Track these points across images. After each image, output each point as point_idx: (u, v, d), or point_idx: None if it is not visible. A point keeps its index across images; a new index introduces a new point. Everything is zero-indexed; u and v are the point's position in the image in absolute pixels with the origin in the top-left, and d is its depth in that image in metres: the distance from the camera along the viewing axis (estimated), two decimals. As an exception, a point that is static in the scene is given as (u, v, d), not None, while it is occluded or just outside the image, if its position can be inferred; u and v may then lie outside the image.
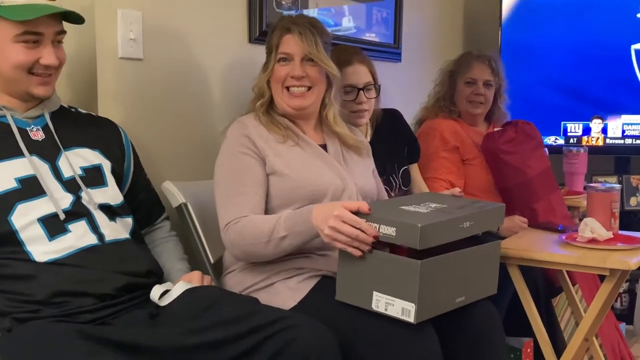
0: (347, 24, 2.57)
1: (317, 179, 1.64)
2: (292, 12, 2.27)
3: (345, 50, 2.06)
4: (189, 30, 1.94)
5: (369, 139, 2.10)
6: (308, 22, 1.72)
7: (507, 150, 2.32)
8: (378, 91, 2.06)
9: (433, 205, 1.50)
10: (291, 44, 1.68)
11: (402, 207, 1.46)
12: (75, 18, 1.46)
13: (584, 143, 3.09)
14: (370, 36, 2.69)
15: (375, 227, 1.37)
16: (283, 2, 2.24)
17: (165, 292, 1.44)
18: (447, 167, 2.35)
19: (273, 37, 1.71)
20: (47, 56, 1.41)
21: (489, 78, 2.48)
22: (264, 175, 1.63)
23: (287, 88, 1.70)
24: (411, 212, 1.43)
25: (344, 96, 2.00)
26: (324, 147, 1.75)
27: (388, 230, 1.36)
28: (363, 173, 1.78)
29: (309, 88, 1.70)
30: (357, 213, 1.39)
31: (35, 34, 1.38)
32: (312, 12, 2.37)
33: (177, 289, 1.43)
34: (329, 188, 1.64)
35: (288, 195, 1.61)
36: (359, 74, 2.02)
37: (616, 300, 2.98)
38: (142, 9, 1.80)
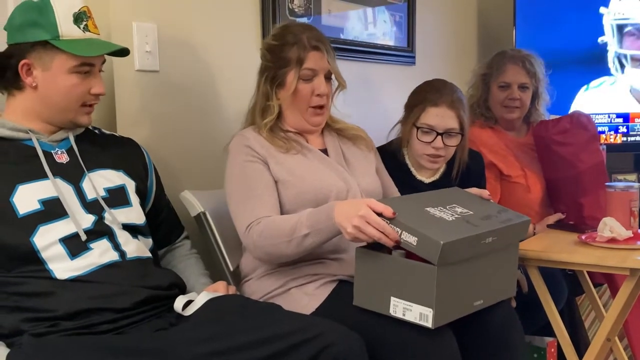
0: (360, 29, 2.57)
1: (319, 183, 1.65)
2: (305, 20, 2.28)
3: (437, 91, 1.96)
4: (203, 41, 1.97)
5: (438, 175, 2.06)
6: (324, 37, 1.72)
7: (559, 142, 2.23)
8: (462, 140, 1.96)
9: (459, 210, 1.49)
10: (318, 60, 1.68)
11: (428, 210, 1.46)
12: (119, 53, 1.52)
13: (602, 141, 3.06)
14: (384, 40, 2.69)
15: (398, 232, 1.38)
16: (296, 10, 2.26)
17: (189, 302, 1.45)
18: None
19: (290, 51, 1.67)
20: (97, 86, 1.47)
21: (525, 81, 2.36)
22: (272, 179, 1.64)
23: (312, 107, 1.70)
24: (436, 219, 1.42)
25: (420, 135, 1.94)
26: (325, 151, 1.76)
27: (409, 239, 1.36)
28: (366, 172, 1.78)
29: (323, 105, 1.72)
30: (380, 215, 1.39)
31: (89, 65, 1.44)
32: (325, 17, 2.38)
33: (201, 299, 1.44)
34: (332, 190, 1.65)
35: (294, 202, 1.62)
36: (443, 117, 1.92)
37: (639, 299, 2.94)
38: (157, 22, 1.82)
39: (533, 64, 2.39)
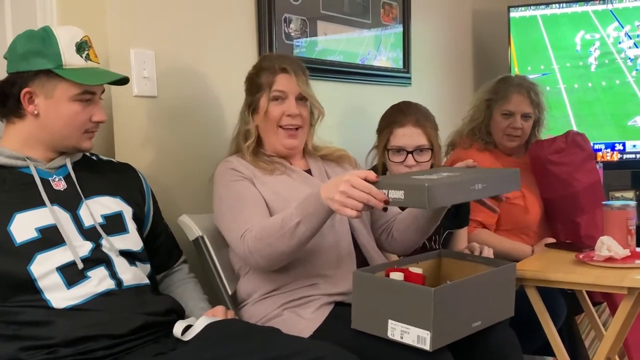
0: (356, 51, 2.60)
1: None
2: (302, 43, 2.31)
3: (401, 112, 2.02)
4: (200, 66, 1.99)
5: None
6: (297, 63, 1.79)
7: (554, 161, 2.25)
8: (433, 154, 1.99)
9: (445, 173, 1.51)
10: (286, 82, 1.74)
11: (413, 177, 1.49)
12: (119, 82, 1.54)
13: (598, 159, 3.08)
14: (380, 61, 2.72)
15: (385, 193, 1.39)
16: (292, 34, 2.28)
17: (188, 327, 1.45)
18: (478, 207, 2.10)
19: (262, 77, 1.75)
20: (98, 113, 1.49)
21: (528, 111, 2.36)
22: (260, 194, 1.67)
23: (281, 127, 1.75)
24: (421, 178, 1.44)
25: (392, 156, 1.99)
26: (309, 172, 1.80)
27: (396, 194, 1.38)
28: None
29: (298, 128, 1.76)
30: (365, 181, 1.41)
31: (90, 93, 1.47)
32: (320, 41, 2.41)
33: (200, 323, 1.44)
34: None
35: None
36: (410, 136, 1.97)
37: None
38: (154, 48, 1.84)
39: (537, 94, 2.40)
